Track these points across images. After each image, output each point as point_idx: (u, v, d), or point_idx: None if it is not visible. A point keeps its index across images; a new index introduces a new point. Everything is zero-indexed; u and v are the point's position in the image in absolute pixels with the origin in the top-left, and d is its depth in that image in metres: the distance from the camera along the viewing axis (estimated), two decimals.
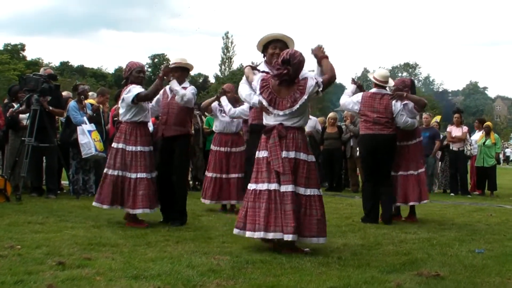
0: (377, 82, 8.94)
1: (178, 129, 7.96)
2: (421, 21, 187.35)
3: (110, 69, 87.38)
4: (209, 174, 9.88)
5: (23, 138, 10.49)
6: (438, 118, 19.90)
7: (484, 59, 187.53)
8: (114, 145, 7.83)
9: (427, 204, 11.62)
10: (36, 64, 62.92)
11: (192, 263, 5.32)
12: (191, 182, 14.00)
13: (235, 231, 6.24)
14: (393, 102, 8.80)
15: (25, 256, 5.38)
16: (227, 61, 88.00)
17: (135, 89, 7.72)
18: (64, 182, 12.72)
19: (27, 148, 10.26)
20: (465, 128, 16.09)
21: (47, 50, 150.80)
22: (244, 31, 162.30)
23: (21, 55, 71.89)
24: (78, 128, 11.13)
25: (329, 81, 6.33)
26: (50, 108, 10.74)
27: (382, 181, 8.84)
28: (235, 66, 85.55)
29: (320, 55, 6.48)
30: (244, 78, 6.64)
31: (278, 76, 6.12)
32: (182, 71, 8.12)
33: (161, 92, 8.08)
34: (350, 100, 9.05)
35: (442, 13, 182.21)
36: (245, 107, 9.27)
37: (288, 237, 5.88)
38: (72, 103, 11.48)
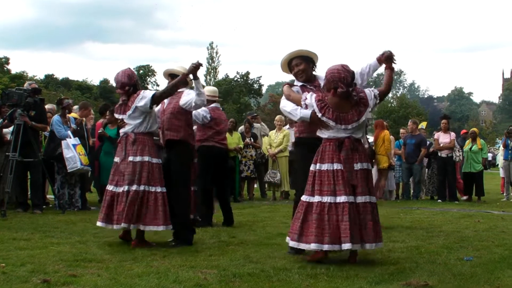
0: None
1: (170, 133, 7.55)
2: (405, 28, 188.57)
3: (95, 81, 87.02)
4: None
5: (7, 153, 10.39)
6: (424, 124, 20.02)
7: (469, 65, 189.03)
8: (138, 158, 7.18)
9: (415, 211, 11.68)
10: (20, 77, 62.51)
11: (179, 278, 5.26)
12: None
13: (292, 243, 6.28)
14: None
15: (10, 274, 5.31)
16: (212, 71, 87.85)
17: (147, 93, 7.27)
18: (50, 196, 12.63)
19: (11, 163, 10.16)
20: (453, 135, 16.13)
21: (32, 63, 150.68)
22: (229, 41, 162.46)
23: (5, 68, 71.46)
24: (63, 142, 11.05)
25: (384, 94, 6.51)
26: (33, 123, 10.65)
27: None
28: (220, 76, 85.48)
29: (388, 64, 6.56)
30: (284, 96, 6.66)
31: (350, 96, 6.20)
32: (173, 79, 7.64)
33: None
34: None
35: (426, 20, 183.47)
36: (200, 110, 8.91)
37: (372, 246, 6.17)
38: (55, 117, 11.41)
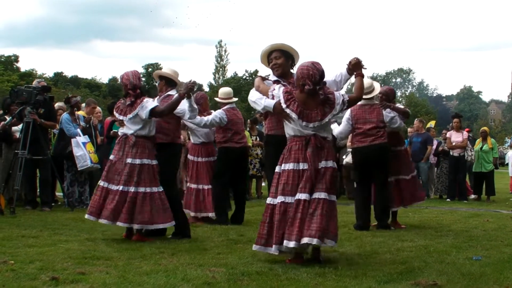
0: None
1: (160, 136, 7.74)
2: (414, 26, 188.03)
3: (104, 79, 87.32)
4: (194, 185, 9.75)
5: (16, 151, 10.43)
6: (432, 123, 19.95)
7: (478, 64, 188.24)
8: (138, 161, 7.40)
9: (424, 211, 11.63)
10: (30, 75, 62.83)
11: (187, 276, 5.26)
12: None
13: (257, 248, 6.15)
14: (383, 111, 9.00)
15: (19, 271, 5.31)
16: (220, 69, 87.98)
17: (149, 104, 7.44)
18: (59, 194, 12.66)
19: (20, 161, 10.20)
20: (465, 134, 16.05)
21: (41, 61, 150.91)
22: (237, 39, 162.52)
23: (14, 66, 71.73)
24: (73, 140, 11.09)
25: (355, 101, 6.51)
26: (42, 121, 10.68)
27: (378, 190, 9.00)
28: (229, 74, 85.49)
29: (357, 71, 6.52)
30: (254, 88, 6.63)
31: (316, 93, 6.13)
32: (167, 82, 7.98)
33: None
34: (342, 125, 9.32)
35: (435, 18, 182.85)
36: (217, 113, 9.38)
37: (312, 240, 5.90)
38: (65, 116, 11.43)
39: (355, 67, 6.53)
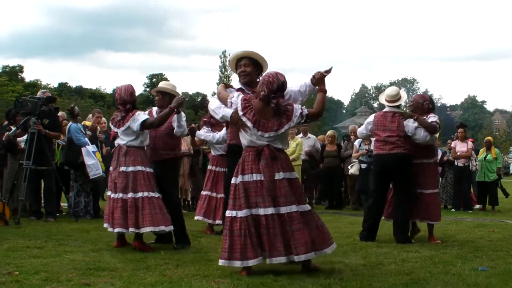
0: (387, 104, 8.93)
1: (167, 153, 7.96)
2: (418, 36, 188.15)
3: (108, 89, 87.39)
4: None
5: (21, 161, 10.44)
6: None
7: (482, 73, 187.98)
8: (131, 168, 7.57)
9: None
10: (34, 85, 63.08)
11: (192, 287, 5.26)
12: (191, 203, 13.95)
13: (222, 262, 6.00)
14: (405, 121, 8.65)
15: (23, 282, 5.33)
16: (225, 79, 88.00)
17: (140, 116, 7.61)
18: (63, 204, 12.67)
19: (25, 171, 10.21)
20: (470, 144, 16.01)
21: (45, 72, 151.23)
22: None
23: (19, 77, 72.04)
24: (83, 149, 11.11)
25: (314, 116, 6.30)
26: (46, 131, 10.70)
27: (397, 203, 8.76)
28: (233, 84, 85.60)
29: (320, 86, 6.41)
30: (216, 95, 6.63)
31: (270, 102, 6.06)
32: (163, 96, 8.04)
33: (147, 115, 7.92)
34: (363, 126, 9.21)
35: (439, 28, 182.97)
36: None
37: (300, 258, 5.92)
38: (73, 125, 11.37)
39: (318, 82, 6.42)
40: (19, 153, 11.09)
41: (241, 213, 5.97)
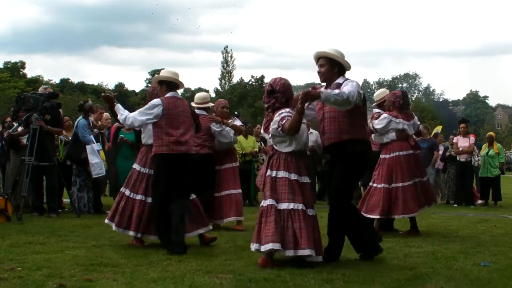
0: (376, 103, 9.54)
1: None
2: (421, 31, 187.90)
3: (110, 85, 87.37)
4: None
5: (23, 158, 10.45)
6: (439, 128, 19.87)
7: (484, 68, 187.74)
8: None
9: (431, 216, 11.59)
10: (36, 81, 62.97)
11: (194, 283, 5.26)
12: None
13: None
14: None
15: (26, 278, 5.32)
16: (227, 75, 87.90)
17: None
18: (66, 200, 12.68)
19: (27, 167, 10.22)
20: (472, 139, 15.99)
21: (47, 68, 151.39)
22: (244, 45, 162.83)
23: (21, 73, 71.93)
24: (88, 147, 11.11)
25: (286, 132, 6.15)
26: (48, 127, 10.70)
27: None
28: (235, 80, 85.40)
29: (295, 106, 6.12)
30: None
31: (269, 107, 6.37)
32: (161, 85, 7.65)
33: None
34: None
35: (441, 23, 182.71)
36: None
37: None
38: (82, 121, 11.33)
39: (295, 102, 6.24)
40: (21, 149, 11.10)
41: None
